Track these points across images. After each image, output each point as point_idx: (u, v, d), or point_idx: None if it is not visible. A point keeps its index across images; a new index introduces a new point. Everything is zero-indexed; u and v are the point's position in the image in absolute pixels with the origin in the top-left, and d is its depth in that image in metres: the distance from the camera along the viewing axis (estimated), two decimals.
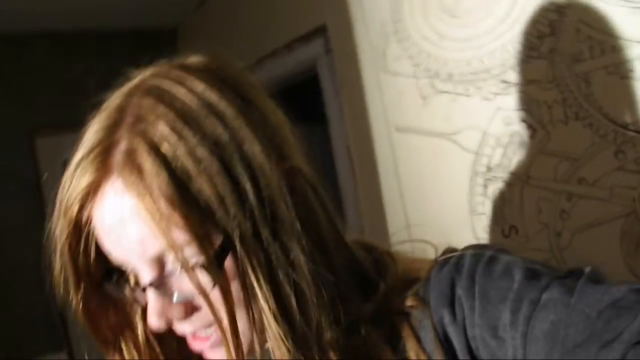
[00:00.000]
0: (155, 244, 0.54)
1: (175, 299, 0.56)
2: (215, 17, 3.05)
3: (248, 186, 0.54)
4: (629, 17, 1.26)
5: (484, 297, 0.58)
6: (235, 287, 0.55)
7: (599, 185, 1.36)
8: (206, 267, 0.53)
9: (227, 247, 0.54)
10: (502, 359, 0.55)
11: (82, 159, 0.56)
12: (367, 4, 1.97)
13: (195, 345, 0.60)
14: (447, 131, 1.74)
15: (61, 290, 0.59)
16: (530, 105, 1.48)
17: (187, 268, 0.53)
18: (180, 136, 0.54)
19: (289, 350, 0.55)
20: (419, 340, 0.61)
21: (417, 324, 0.62)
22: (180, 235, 0.52)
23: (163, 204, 0.52)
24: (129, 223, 0.54)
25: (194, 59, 0.62)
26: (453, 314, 0.60)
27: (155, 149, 0.53)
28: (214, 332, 0.58)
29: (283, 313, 0.55)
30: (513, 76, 1.51)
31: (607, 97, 1.33)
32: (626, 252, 1.33)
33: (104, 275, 0.61)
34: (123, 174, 0.53)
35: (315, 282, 0.57)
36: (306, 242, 0.57)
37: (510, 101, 1.53)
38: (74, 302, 0.59)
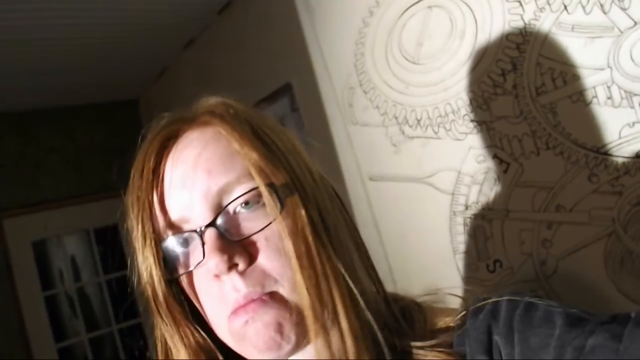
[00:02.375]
0: (225, 173, 0.59)
1: (234, 237, 0.58)
2: (177, 85, 3.08)
3: (304, 166, 0.64)
4: (586, 46, 1.32)
5: (524, 343, 0.55)
6: (293, 240, 0.58)
7: (577, 210, 1.40)
8: (272, 196, 0.58)
9: (291, 188, 0.59)
10: None
11: (160, 125, 0.65)
12: (329, 59, 2.02)
13: (239, 319, 0.58)
14: (421, 175, 1.76)
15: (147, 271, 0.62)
16: (501, 140, 1.52)
17: (263, 192, 0.58)
18: (248, 111, 0.65)
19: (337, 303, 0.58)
20: None
21: None
22: (251, 167, 0.58)
23: (240, 135, 0.60)
24: (205, 150, 0.60)
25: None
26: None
27: (230, 107, 0.64)
28: (265, 288, 0.58)
29: (338, 274, 0.59)
30: (481, 114, 1.56)
31: (575, 124, 1.38)
32: (611, 271, 1.35)
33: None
34: (203, 119, 0.63)
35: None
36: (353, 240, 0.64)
37: (480, 139, 1.57)
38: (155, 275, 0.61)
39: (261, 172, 0.58)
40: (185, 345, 0.62)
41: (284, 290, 0.58)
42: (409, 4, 1.69)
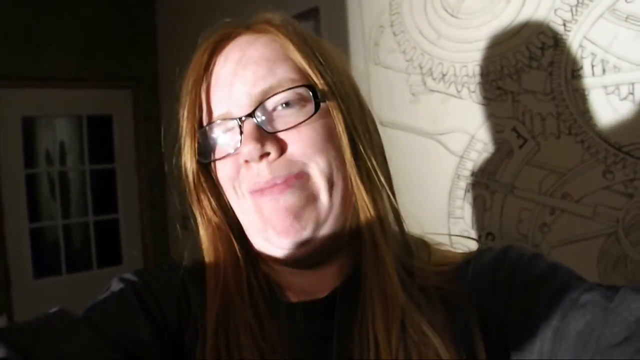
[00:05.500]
0: (271, 74, 0.63)
1: (270, 129, 0.62)
2: None
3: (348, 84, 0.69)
4: (636, 40, 1.26)
5: (523, 287, 0.60)
6: (326, 140, 0.63)
7: (584, 202, 1.37)
8: (310, 95, 0.63)
9: (331, 95, 0.64)
10: (527, 347, 0.57)
11: (217, 27, 0.68)
12: None
13: (264, 197, 0.63)
14: (433, 131, 1.72)
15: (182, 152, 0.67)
16: (523, 115, 1.47)
17: (301, 91, 0.63)
18: (305, 29, 0.69)
19: (370, 208, 0.64)
20: (452, 318, 0.63)
21: (453, 302, 0.64)
22: (296, 68, 0.64)
23: (292, 42, 0.64)
24: (256, 51, 0.64)
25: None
26: (490, 296, 0.62)
27: (288, 21, 0.68)
28: (292, 171, 0.62)
29: (365, 174, 0.65)
30: (510, 84, 1.50)
31: (603, 116, 1.33)
32: (603, 272, 1.34)
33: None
34: (260, 26, 0.67)
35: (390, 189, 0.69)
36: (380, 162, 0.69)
37: (503, 109, 1.52)
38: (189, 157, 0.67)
39: (304, 74, 0.64)
40: (204, 224, 0.69)
41: (312, 171, 0.62)
42: None
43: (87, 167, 3.21)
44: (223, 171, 0.66)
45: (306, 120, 0.62)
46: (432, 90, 1.72)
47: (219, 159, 0.66)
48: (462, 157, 1.64)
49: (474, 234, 1.60)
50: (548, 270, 0.61)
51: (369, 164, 0.65)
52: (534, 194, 1.47)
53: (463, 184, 1.64)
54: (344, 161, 0.64)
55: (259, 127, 0.62)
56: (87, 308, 0.64)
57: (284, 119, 0.63)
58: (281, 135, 0.62)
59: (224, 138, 0.65)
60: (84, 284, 3.17)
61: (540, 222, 1.46)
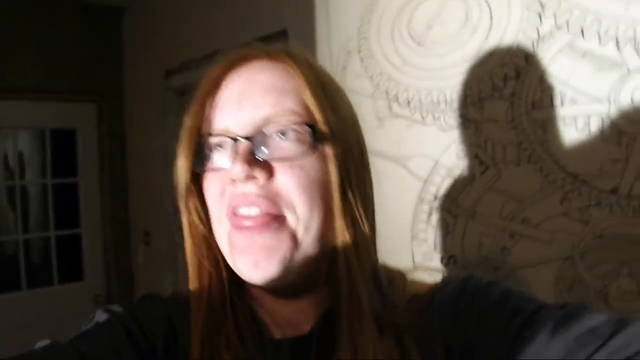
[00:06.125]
0: (278, 103, 0.65)
1: (263, 155, 0.64)
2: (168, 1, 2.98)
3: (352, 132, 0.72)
4: (592, 75, 1.33)
5: (480, 315, 0.64)
6: (315, 183, 0.65)
7: (542, 227, 1.43)
8: (308, 134, 0.64)
9: (331, 139, 0.65)
10: None
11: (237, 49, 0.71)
12: (334, 17, 1.98)
13: (241, 234, 0.64)
14: (398, 155, 1.77)
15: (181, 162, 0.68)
16: (485, 142, 1.53)
17: (297, 129, 0.65)
18: (322, 68, 0.73)
19: (350, 257, 0.65)
20: (423, 353, 0.66)
21: (422, 337, 0.67)
22: (303, 103, 0.66)
23: (304, 76, 0.66)
24: (269, 77, 0.66)
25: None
26: (452, 328, 0.66)
27: (306, 56, 0.71)
28: (268, 213, 0.63)
29: (350, 224, 0.66)
30: (472, 112, 1.56)
31: (561, 146, 1.40)
32: (559, 294, 1.40)
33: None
34: (278, 55, 0.69)
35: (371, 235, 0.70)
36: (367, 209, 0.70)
37: (466, 136, 1.58)
38: (184, 168, 0.68)
39: (309, 112, 0.65)
40: (191, 232, 0.70)
41: (291, 218, 0.64)
42: None
43: (50, 180, 3.17)
44: (210, 186, 0.67)
45: (299, 157, 0.64)
46: (398, 116, 1.77)
47: (210, 170, 0.67)
48: (426, 181, 1.69)
49: (437, 257, 1.65)
50: (502, 296, 0.65)
51: (356, 213, 0.67)
52: (494, 219, 1.52)
53: (427, 207, 1.69)
54: (329, 206, 0.65)
55: (252, 151, 0.63)
56: (72, 338, 0.64)
57: (280, 149, 0.64)
58: (272, 163, 0.64)
59: (219, 153, 0.66)
60: (44, 299, 3.12)
61: (500, 246, 1.51)
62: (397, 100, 1.77)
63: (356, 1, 1.89)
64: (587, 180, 1.36)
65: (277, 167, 0.64)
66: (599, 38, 1.32)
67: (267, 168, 0.64)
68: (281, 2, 2.23)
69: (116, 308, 0.68)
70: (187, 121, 0.69)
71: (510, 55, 1.48)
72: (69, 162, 3.20)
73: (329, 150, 0.65)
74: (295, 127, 0.64)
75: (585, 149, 1.36)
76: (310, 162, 0.64)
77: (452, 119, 1.62)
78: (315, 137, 0.64)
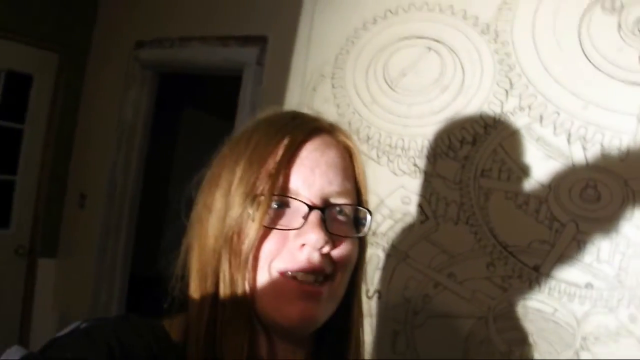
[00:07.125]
0: (345, 181, 0.71)
1: (329, 228, 0.68)
2: None
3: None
4: (541, 160, 1.45)
5: None
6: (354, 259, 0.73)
7: (465, 285, 1.54)
8: (368, 219, 0.72)
9: (367, 219, 0.73)
10: None
11: (314, 120, 0.76)
12: (315, 39, 2.04)
13: (296, 288, 0.68)
14: None
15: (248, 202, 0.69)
16: (431, 195, 1.64)
17: (364, 213, 0.72)
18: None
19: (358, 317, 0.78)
20: None
21: None
22: (356, 186, 0.74)
23: (357, 163, 0.75)
24: (339, 157, 0.73)
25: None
26: None
27: (354, 139, 0.78)
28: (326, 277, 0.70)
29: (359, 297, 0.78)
30: (425, 165, 1.66)
31: (498, 216, 1.52)
32: (467, 349, 1.51)
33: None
34: (340, 135, 0.76)
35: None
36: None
37: (414, 184, 1.68)
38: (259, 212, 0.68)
39: (359, 193, 0.75)
40: (205, 247, 0.72)
41: (337, 279, 0.70)
42: (413, 35, 1.75)
43: None
44: (269, 240, 0.69)
45: (355, 236, 0.72)
46: None
47: (280, 228, 0.69)
48: None
49: (363, 289, 1.73)
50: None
51: (361, 288, 0.78)
52: (423, 267, 1.62)
53: None
54: (354, 278, 0.75)
55: (325, 221, 0.68)
56: (45, 345, 0.60)
57: (339, 224, 0.70)
58: (335, 238, 0.70)
59: (286, 212, 0.70)
60: None
61: (424, 292, 1.61)
62: (357, 133, 1.85)
63: (339, 30, 1.96)
64: (514, 252, 1.48)
65: (338, 241, 0.70)
66: (554, 128, 1.44)
67: (333, 241, 0.69)
68: (265, 9, 2.26)
69: (97, 322, 0.65)
70: (247, 176, 0.70)
71: (472, 122, 1.58)
72: (19, 107, 3.13)
73: (363, 229, 0.73)
74: (355, 208, 0.72)
75: (520, 224, 1.48)
76: (356, 240, 0.72)
77: (405, 165, 1.71)
78: (361, 219, 0.73)
